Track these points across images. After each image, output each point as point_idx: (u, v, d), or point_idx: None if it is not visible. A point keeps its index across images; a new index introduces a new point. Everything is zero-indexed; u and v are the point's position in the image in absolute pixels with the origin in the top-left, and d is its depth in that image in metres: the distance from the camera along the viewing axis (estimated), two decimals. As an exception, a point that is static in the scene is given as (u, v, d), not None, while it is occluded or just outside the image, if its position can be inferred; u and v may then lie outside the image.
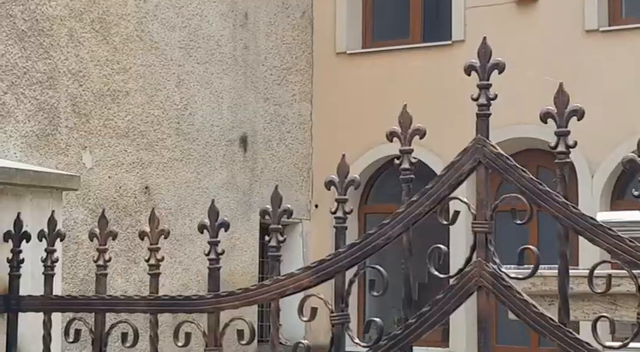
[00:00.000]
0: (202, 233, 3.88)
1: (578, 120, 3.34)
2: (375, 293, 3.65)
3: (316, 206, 12.96)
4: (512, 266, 3.49)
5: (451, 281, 3.42)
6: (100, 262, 4.10)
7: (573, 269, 6.45)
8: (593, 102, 11.36)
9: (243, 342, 3.72)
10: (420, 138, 3.54)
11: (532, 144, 11.44)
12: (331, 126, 12.98)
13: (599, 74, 11.52)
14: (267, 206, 3.76)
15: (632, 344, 3.24)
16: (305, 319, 3.71)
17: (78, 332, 4.04)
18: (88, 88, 10.19)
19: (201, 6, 11.64)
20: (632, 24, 11.63)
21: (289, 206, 3.75)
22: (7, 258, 4.22)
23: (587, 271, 3.44)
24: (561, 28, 11.78)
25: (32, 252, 4.22)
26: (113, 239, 4.11)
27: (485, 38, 3.50)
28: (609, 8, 11.78)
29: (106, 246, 4.09)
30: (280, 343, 3.71)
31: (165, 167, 11.05)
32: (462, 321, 11.02)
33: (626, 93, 11.37)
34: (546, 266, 5.63)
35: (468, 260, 3.41)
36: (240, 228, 11.92)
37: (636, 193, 3.13)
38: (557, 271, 3.36)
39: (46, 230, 4.19)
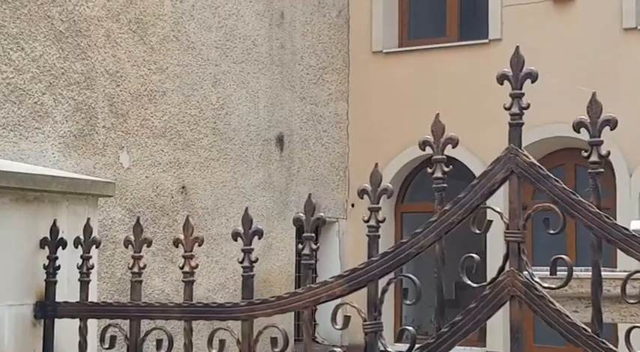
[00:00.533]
0: (236, 241, 3.90)
1: (612, 129, 3.33)
2: (408, 302, 3.67)
3: (352, 205, 12.97)
4: (545, 269, 3.49)
5: (485, 290, 3.43)
6: (135, 269, 4.13)
7: (610, 271, 6.42)
8: (631, 101, 11.32)
9: (277, 350, 3.74)
10: (453, 147, 3.54)
11: (570, 144, 11.38)
12: (367, 125, 12.98)
13: (637, 73, 11.44)
14: (301, 214, 3.77)
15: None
16: (338, 327, 3.73)
17: (113, 338, 4.08)
18: (125, 89, 10.25)
19: (238, 6, 11.67)
20: (671, 22, 11.55)
21: (322, 214, 3.76)
22: (44, 265, 4.26)
23: (624, 274, 3.44)
24: (599, 26, 11.71)
25: (68, 259, 4.27)
26: (148, 246, 4.15)
27: (518, 47, 3.49)
28: (647, 5, 11.71)
29: (141, 254, 4.13)
30: (317, 342, 3.73)
31: (202, 167, 11.09)
32: (499, 321, 10.98)
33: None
34: (583, 268, 5.61)
35: (501, 269, 3.42)
36: (276, 227, 11.96)
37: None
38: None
39: (81, 237, 4.24)
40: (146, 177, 10.42)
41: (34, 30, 9.30)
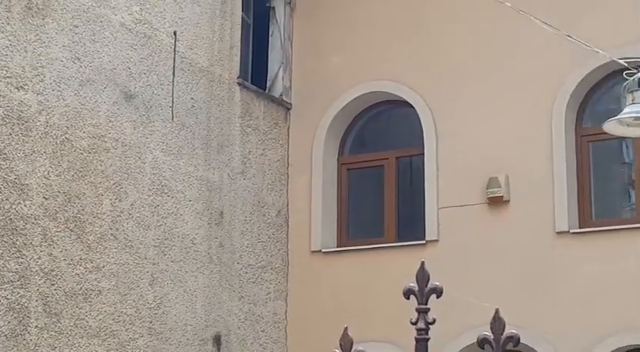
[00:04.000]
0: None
1: (514, 346, 3.37)
2: None
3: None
4: None
5: None
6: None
7: None
8: (564, 302, 11.46)
9: None
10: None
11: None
12: (306, 324, 12.94)
13: (570, 275, 11.61)
14: None
15: None
16: None
17: None
18: (60, 287, 10.20)
19: (177, 205, 11.78)
20: (602, 226, 11.78)
21: None
22: None
23: None
24: (532, 229, 11.93)
25: None
26: None
27: (423, 263, 3.56)
28: (579, 210, 11.96)
29: None
30: None
31: (136, 367, 10.94)
32: None
33: (597, 294, 11.43)
34: None
35: None
36: None
37: None
38: None
39: None
40: (78, 377, 10.25)
41: (-31, 229, 9.30)
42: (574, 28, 11.16)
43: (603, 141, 11.74)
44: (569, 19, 11.74)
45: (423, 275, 3.58)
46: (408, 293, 3.55)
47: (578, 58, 11.62)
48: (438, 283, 3.53)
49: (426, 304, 3.53)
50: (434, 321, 3.49)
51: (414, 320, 3.50)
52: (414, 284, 3.55)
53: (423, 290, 3.53)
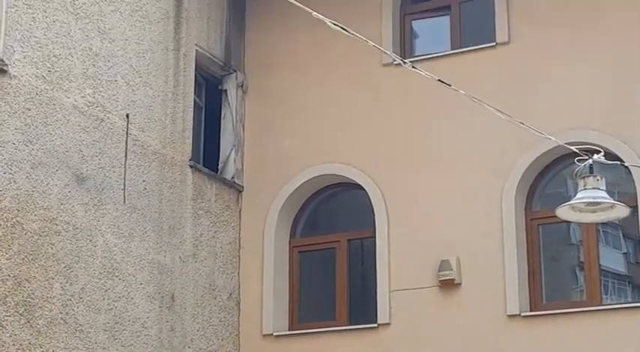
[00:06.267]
0: None
1: None
2: None
3: None
4: None
5: None
6: None
7: None
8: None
9: None
10: None
11: None
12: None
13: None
14: None
15: None
16: None
17: None
18: (8, 373, 10.04)
19: (128, 288, 11.68)
20: (553, 310, 11.86)
21: None
22: None
23: None
24: (484, 312, 11.97)
25: None
26: None
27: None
28: (530, 293, 12.04)
29: None
30: None
31: None
32: None
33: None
34: None
35: None
36: None
37: None
38: None
39: None
40: None
41: None
42: (524, 112, 11.34)
43: (552, 224, 11.86)
44: (519, 103, 11.94)
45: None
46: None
47: (527, 142, 11.78)
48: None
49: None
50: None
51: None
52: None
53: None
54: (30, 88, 10.79)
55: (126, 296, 11.64)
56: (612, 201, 7.98)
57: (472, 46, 12.95)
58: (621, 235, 13.20)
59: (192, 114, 13.13)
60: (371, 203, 13.00)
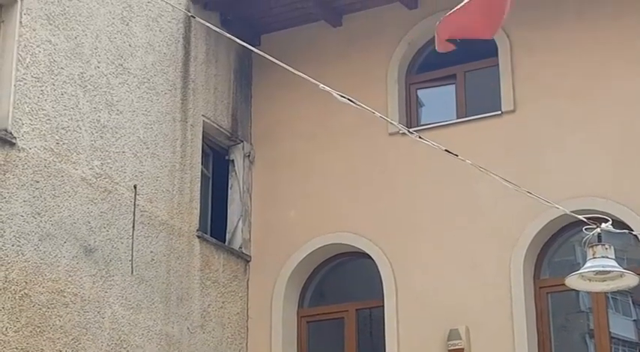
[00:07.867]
0: None
1: None
2: None
3: None
4: None
5: None
6: None
7: None
8: None
9: None
10: None
11: None
12: None
13: None
14: None
15: None
16: None
17: None
18: None
19: (136, 360, 11.63)
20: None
21: None
22: None
23: None
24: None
25: None
26: None
27: None
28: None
29: None
30: None
31: None
32: None
33: None
34: None
35: None
36: None
37: None
38: None
39: None
40: None
41: None
42: (531, 180, 11.36)
43: (561, 292, 11.80)
44: (526, 171, 11.97)
45: None
46: None
47: (535, 210, 11.78)
48: None
49: None
50: None
51: None
52: None
53: None
54: (38, 160, 10.83)
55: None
56: (622, 270, 7.95)
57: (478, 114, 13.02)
58: (631, 302, 13.13)
59: (199, 184, 13.16)
60: (379, 272, 12.97)
